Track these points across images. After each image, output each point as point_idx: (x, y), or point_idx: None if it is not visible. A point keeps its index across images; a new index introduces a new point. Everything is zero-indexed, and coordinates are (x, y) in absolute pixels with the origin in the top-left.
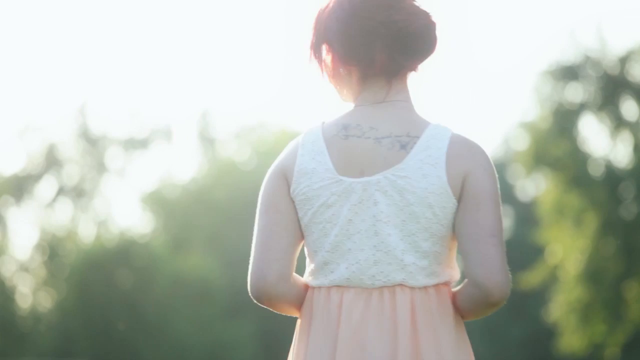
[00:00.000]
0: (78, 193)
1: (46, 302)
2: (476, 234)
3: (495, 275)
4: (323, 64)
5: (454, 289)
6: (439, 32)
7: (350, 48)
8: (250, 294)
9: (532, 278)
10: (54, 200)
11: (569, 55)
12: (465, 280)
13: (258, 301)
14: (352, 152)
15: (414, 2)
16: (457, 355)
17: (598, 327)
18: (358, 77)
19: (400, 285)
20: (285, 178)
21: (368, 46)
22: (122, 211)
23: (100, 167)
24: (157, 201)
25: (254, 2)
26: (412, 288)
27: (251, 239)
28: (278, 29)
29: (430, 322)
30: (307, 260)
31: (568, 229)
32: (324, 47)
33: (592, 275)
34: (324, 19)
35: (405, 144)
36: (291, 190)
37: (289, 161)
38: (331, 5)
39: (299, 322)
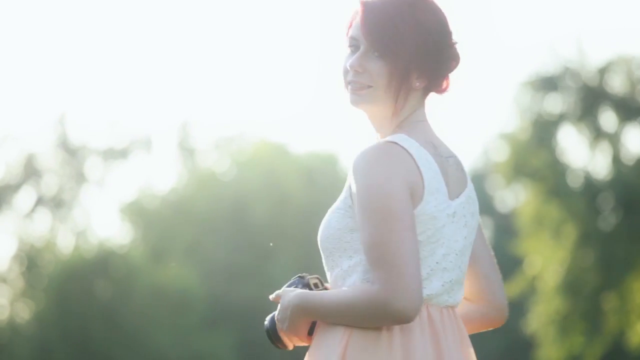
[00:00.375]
0: (57, 203)
1: (24, 313)
2: (492, 259)
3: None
4: (403, 75)
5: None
6: None
7: (441, 66)
8: (405, 315)
9: (511, 289)
10: (33, 210)
11: (549, 66)
12: (470, 302)
13: (411, 319)
14: (447, 173)
15: None
16: None
17: (576, 338)
18: (422, 94)
19: (455, 305)
20: (411, 193)
21: (452, 68)
22: (101, 222)
23: (80, 178)
24: (136, 211)
25: (234, 13)
26: (455, 307)
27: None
28: (258, 40)
29: (468, 338)
30: None
31: (547, 240)
32: (415, 61)
33: (571, 286)
34: (428, 33)
35: (461, 166)
36: (418, 207)
37: (414, 177)
38: (436, 24)
39: (364, 332)
